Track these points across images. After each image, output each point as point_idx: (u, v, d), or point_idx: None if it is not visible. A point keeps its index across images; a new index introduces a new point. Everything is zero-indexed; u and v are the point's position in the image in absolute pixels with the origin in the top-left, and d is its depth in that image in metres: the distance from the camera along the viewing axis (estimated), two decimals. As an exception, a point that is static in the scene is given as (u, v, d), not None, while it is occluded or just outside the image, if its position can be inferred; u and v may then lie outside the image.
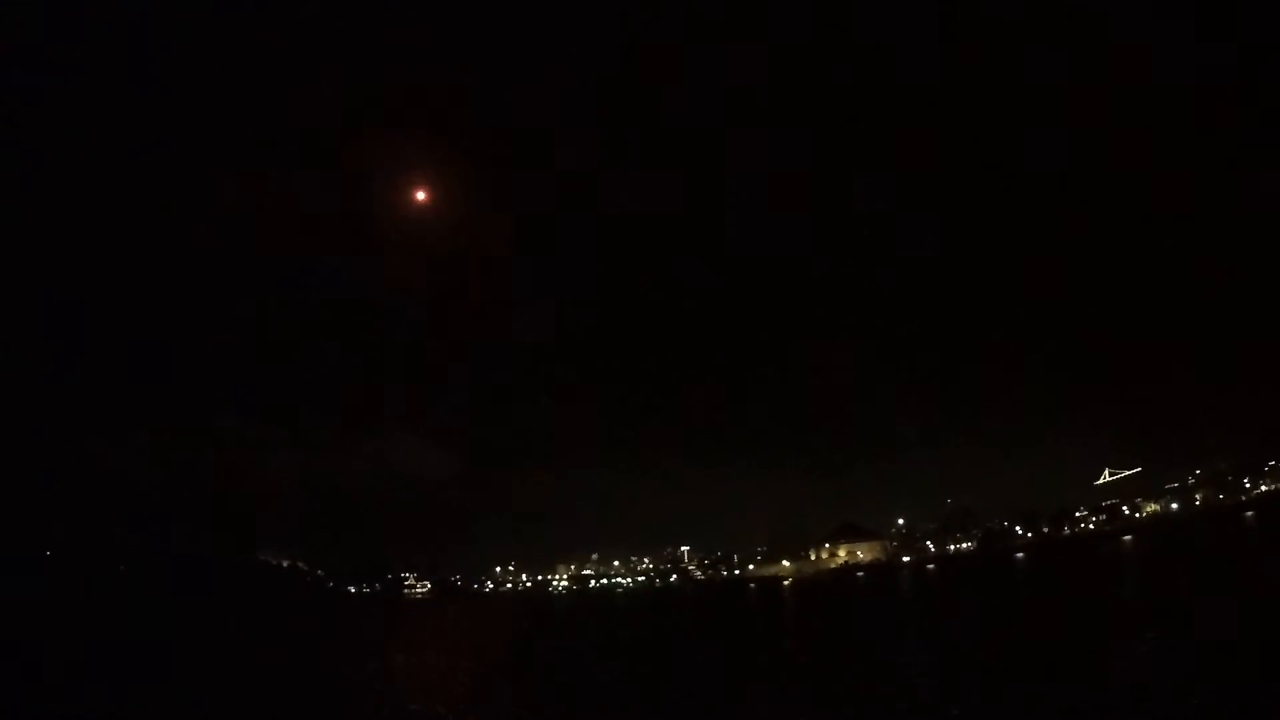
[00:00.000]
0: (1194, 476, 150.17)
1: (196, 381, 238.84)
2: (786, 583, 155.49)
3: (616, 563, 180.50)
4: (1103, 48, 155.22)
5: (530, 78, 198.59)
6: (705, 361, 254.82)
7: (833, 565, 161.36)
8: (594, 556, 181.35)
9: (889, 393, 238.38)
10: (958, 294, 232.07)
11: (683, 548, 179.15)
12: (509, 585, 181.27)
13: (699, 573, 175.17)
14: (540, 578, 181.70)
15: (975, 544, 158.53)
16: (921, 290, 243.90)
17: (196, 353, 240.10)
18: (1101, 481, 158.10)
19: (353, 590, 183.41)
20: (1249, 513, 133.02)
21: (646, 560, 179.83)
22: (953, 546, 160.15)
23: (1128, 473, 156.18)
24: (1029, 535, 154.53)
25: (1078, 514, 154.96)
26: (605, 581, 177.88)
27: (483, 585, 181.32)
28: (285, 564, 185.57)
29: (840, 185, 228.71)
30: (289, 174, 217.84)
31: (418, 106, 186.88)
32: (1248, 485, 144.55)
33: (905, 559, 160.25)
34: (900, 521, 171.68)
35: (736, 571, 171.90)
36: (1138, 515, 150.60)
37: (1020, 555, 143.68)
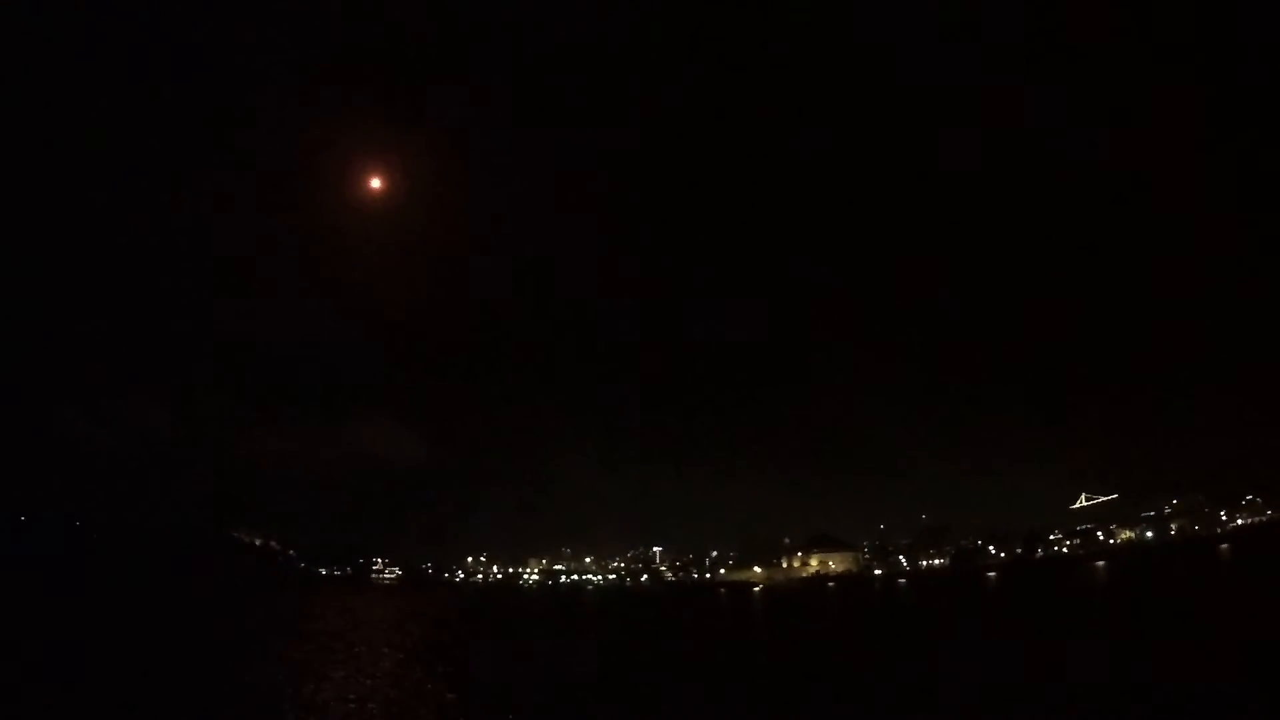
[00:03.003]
0: (1170, 506, 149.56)
1: (170, 353, 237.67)
2: (757, 589, 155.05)
3: (588, 559, 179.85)
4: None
5: (533, 72, 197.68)
6: (689, 363, 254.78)
7: (804, 574, 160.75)
8: (566, 551, 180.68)
9: (872, 406, 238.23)
10: (945, 314, 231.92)
11: (655, 548, 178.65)
12: (479, 576, 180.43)
13: (670, 574, 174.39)
14: (511, 570, 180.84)
15: (948, 561, 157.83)
16: (909, 309, 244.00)
17: (170, 325, 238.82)
18: (1077, 506, 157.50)
19: (323, 573, 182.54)
20: (1224, 545, 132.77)
21: (618, 559, 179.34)
22: (925, 562, 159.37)
23: (1104, 498, 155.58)
24: (1001, 555, 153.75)
25: (1051, 537, 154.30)
26: (575, 578, 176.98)
27: (453, 574, 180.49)
28: (258, 542, 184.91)
29: (837, 199, 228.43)
30: (262, 155, 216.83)
31: (407, 101, 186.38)
32: (1224, 517, 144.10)
33: (877, 571, 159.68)
34: (879, 530, 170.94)
35: (708, 575, 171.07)
36: (1112, 541, 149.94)
37: (992, 575, 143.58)
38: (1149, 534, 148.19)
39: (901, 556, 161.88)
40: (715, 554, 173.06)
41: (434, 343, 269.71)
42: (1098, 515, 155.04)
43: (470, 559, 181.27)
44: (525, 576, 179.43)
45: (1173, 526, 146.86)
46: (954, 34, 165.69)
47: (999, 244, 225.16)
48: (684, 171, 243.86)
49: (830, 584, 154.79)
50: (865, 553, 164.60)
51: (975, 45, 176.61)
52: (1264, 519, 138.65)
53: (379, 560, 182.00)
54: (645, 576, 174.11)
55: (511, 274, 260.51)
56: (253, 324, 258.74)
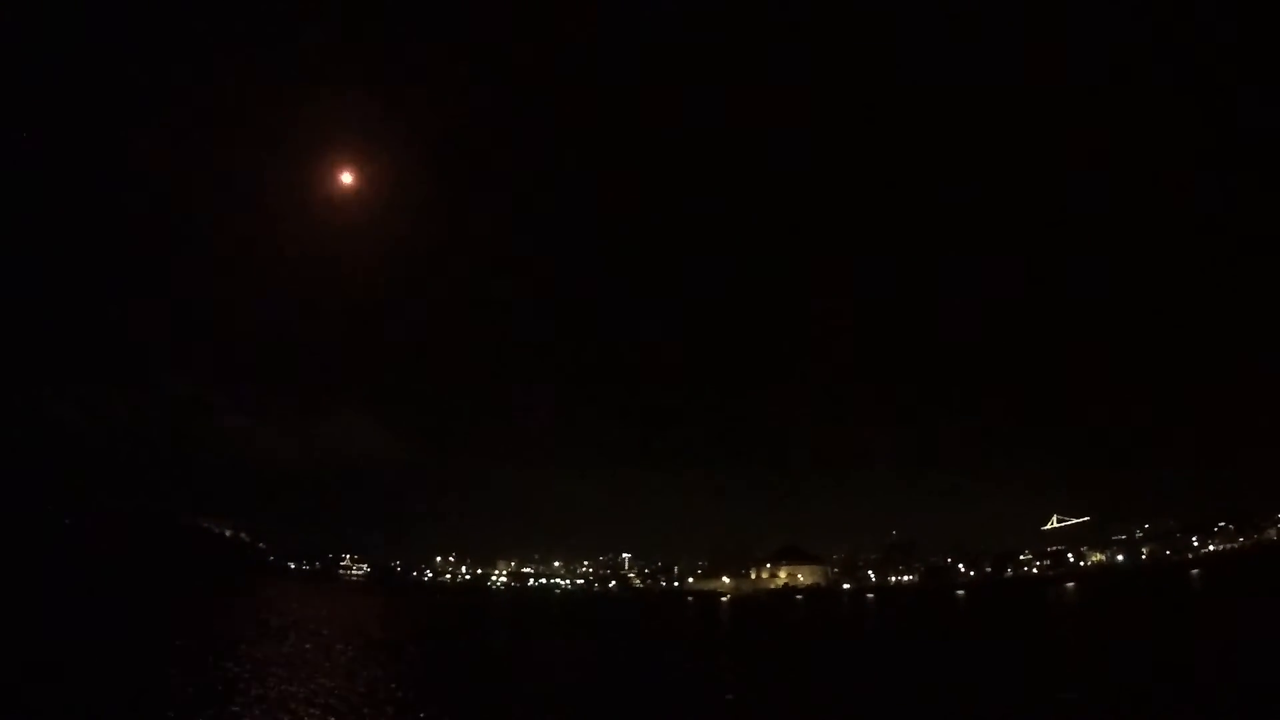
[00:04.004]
0: (1142, 530, 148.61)
1: (150, 344, 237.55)
2: (724, 599, 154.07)
3: (557, 563, 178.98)
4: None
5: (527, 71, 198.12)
6: (667, 371, 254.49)
7: (772, 586, 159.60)
8: (535, 556, 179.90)
9: (845, 421, 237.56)
10: (922, 332, 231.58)
11: (624, 555, 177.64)
12: (448, 576, 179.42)
13: (638, 581, 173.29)
14: (480, 571, 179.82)
15: (917, 577, 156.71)
16: (884, 324, 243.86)
17: (152, 316, 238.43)
18: (1049, 527, 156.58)
19: (292, 567, 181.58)
20: (1195, 571, 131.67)
21: (586, 564, 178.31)
22: (894, 578, 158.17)
23: (1075, 521, 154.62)
24: (971, 574, 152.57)
25: (1022, 557, 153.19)
26: (544, 581, 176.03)
27: (422, 574, 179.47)
28: (228, 533, 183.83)
29: (811, 213, 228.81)
30: (245, 146, 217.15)
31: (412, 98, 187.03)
32: (1195, 544, 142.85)
33: (845, 586, 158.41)
34: (848, 545, 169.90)
35: (676, 583, 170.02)
36: (1082, 564, 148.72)
37: (961, 593, 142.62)
38: (1120, 557, 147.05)
39: (870, 571, 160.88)
40: (684, 563, 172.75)
41: (411, 343, 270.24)
42: (1069, 537, 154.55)
43: (439, 558, 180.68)
44: (494, 578, 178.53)
45: (1144, 551, 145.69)
46: (955, 35, 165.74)
47: (970, 270, 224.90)
48: (660, 175, 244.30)
49: (798, 596, 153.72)
50: (834, 567, 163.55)
51: (975, 45, 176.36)
52: (1235, 546, 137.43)
53: (348, 556, 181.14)
54: (613, 583, 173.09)
55: (491, 276, 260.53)
56: (232, 317, 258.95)
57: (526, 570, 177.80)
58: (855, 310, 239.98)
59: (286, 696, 26.63)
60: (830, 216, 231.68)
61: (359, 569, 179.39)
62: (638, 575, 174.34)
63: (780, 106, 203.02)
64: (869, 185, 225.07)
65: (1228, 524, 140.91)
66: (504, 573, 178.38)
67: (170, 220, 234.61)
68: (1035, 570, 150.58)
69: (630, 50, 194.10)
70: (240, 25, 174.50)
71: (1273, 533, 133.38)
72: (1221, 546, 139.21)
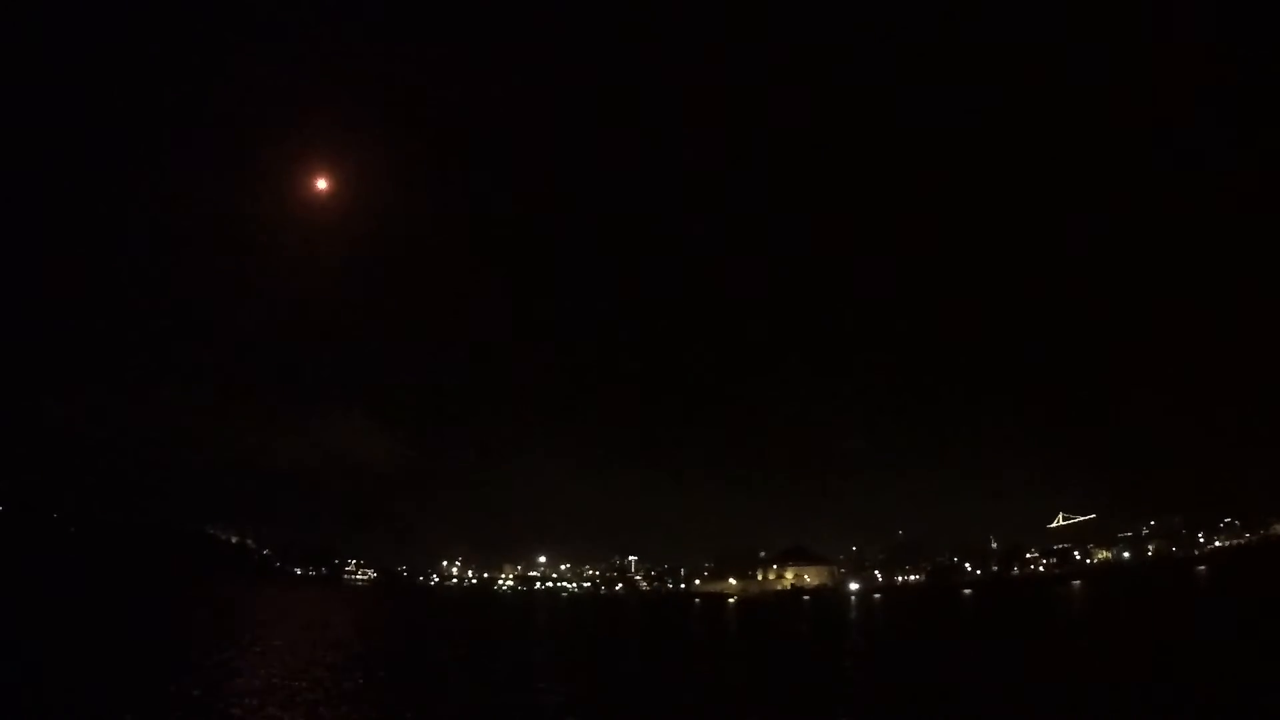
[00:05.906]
0: (1148, 527, 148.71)
1: (153, 350, 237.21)
2: (731, 600, 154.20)
3: (564, 566, 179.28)
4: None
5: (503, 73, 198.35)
6: (670, 373, 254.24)
7: (779, 587, 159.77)
8: (541, 559, 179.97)
9: (849, 420, 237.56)
10: (926, 332, 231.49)
11: (630, 557, 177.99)
12: (454, 580, 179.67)
13: (644, 584, 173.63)
14: (486, 575, 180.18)
15: (924, 577, 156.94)
16: (888, 324, 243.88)
17: (156, 322, 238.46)
18: (1055, 525, 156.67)
19: (299, 572, 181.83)
20: (1201, 567, 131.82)
21: (592, 567, 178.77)
22: (900, 578, 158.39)
23: (1081, 518, 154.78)
24: (977, 573, 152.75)
25: (1028, 555, 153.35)
26: (550, 584, 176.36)
27: (428, 578, 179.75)
28: (234, 540, 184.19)
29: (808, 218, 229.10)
30: (244, 148, 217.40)
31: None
32: (1201, 540, 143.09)
33: (853, 586, 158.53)
34: (855, 545, 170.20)
35: (682, 585, 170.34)
36: (1089, 561, 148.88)
37: (968, 591, 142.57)
38: (1126, 554, 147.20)
39: (877, 571, 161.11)
40: (690, 565, 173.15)
41: (411, 344, 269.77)
42: (1075, 535, 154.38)
43: (445, 562, 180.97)
44: (500, 581, 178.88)
45: (1149, 547, 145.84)
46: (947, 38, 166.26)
47: (971, 269, 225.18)
48: (658, 174, 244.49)
49: (805, 597, 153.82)
50: (840, 567, 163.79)
51: (975, 45, 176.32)
52: (1241, 542, 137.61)
53: (354, 561, 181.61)
54: (620, 585, 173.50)
55: (491, 277, 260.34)
56: (237, 323, 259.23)
57: (533, 574, 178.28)
58: (857, 310, 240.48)
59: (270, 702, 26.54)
60: (831, 215, 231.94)
61: (365, 573, 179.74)
62: (644, 578, 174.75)
63: (784, 102, 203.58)
64: (870, 185, 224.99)
65: (1233, 520, 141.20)
66: (510, 576, 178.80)
67: (170, 223, 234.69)
68: (1042, 568, 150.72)
69: (630, 50, 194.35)
70: (235, 25, 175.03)
71: (1279, 528, 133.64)
72: (1227, 542, 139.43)
